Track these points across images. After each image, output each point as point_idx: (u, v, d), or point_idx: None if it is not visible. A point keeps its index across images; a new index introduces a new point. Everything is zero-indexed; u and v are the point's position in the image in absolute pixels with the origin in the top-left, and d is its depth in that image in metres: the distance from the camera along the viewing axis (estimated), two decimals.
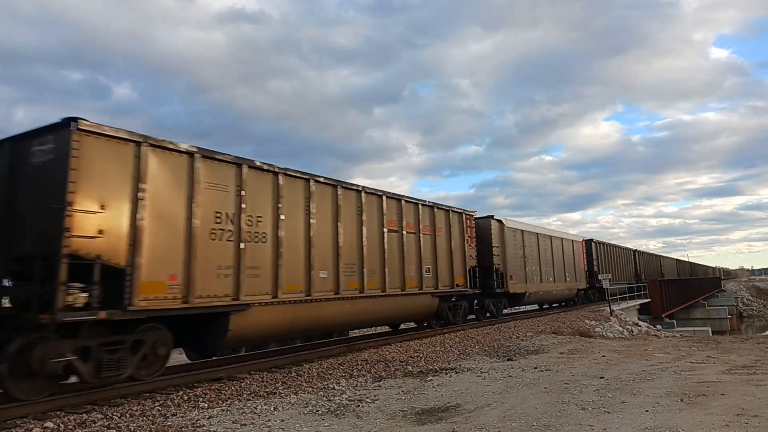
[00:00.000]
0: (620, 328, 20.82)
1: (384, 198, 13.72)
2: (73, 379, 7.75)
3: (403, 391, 7.85)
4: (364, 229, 12.81)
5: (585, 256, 30.31)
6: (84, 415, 6.56)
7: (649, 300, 32.56)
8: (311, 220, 11.22)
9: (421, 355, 11.54)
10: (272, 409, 6.81)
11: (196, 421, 6.28)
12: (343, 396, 7.52)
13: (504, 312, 21.64)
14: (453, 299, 16.94)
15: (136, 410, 6.76)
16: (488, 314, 20.10)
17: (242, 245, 9.49)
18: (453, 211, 16.97)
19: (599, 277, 27.52)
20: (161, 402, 7.24)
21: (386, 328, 18.52)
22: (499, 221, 20.65)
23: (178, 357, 13.37)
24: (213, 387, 8.22)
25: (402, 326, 17.35)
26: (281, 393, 7.84)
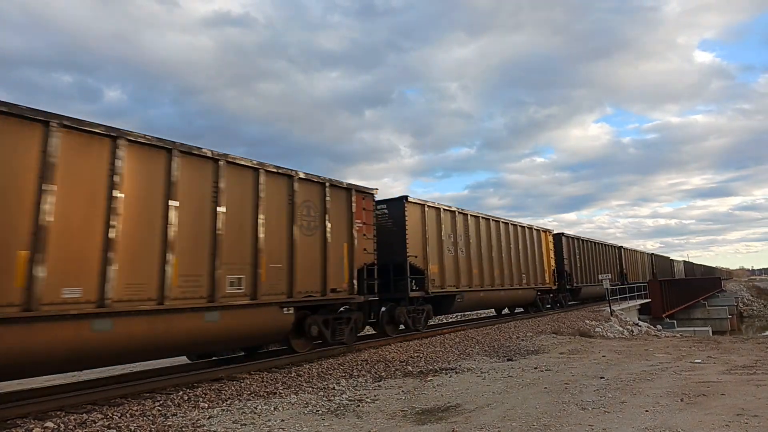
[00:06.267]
0: (620, 328, 20.81)
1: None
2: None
3: (403, 391, 7.85)
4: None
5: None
6: (84, 414, 6.56)
7: (649, 300, 32.55)
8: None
9: (421, 355, 11.54)
10: (272, 409, 6.81)
11: (196, 421, 6.28)
12: (343, 396, 7.52)
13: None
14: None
15: (137, 410, 6.76)
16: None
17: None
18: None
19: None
20: (161, 402, 7.24)
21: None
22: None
23: (181, 358, 13.31)
24: (213, 387, 8.22)
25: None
26: (281, 393, 7.84)
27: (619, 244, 37.87)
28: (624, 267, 37.23)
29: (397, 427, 5.90)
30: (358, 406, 6.95)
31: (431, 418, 6.22)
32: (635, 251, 42.60)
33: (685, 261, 71.05)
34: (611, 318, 22.74)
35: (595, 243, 31.85)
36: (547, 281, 23.67)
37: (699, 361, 10.36)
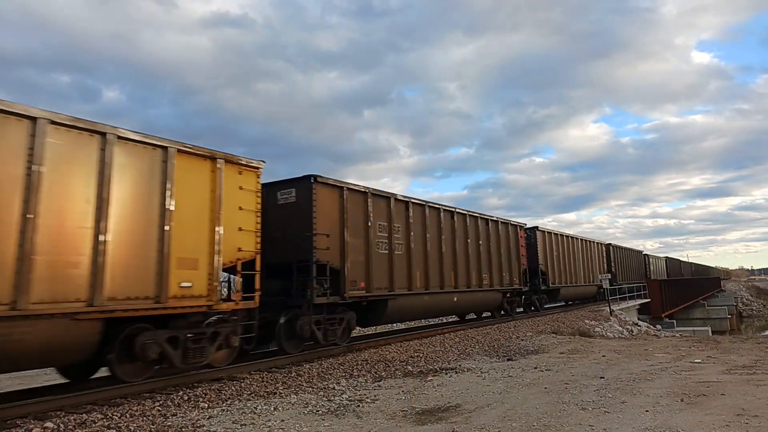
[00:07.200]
0: (620, 328, 20.82)
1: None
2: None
3: (403, 391, 7.85)
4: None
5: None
6: (84, 415, 6.56)
7: (649, 300, 32.57)
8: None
9: (421, 355, 11.54)
10: (272, 409, 6.81)
11: (196, 421, 6.27)
12: (343, 396, 7.52)
13: None
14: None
15: (136, 410, 6.75)
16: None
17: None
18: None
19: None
20: (161, 402, 7.24)
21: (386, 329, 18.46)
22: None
23: None
24: (213, 387, 8.22)
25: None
26: (281, 393, 7.84)
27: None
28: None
29: (397, 427, 5.90)
30: (358, 406, 6.94)
31: (431, 418, 6.22)
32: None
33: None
34: (611, 318, 22.75)
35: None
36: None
37: (699, 361, 10.36)
